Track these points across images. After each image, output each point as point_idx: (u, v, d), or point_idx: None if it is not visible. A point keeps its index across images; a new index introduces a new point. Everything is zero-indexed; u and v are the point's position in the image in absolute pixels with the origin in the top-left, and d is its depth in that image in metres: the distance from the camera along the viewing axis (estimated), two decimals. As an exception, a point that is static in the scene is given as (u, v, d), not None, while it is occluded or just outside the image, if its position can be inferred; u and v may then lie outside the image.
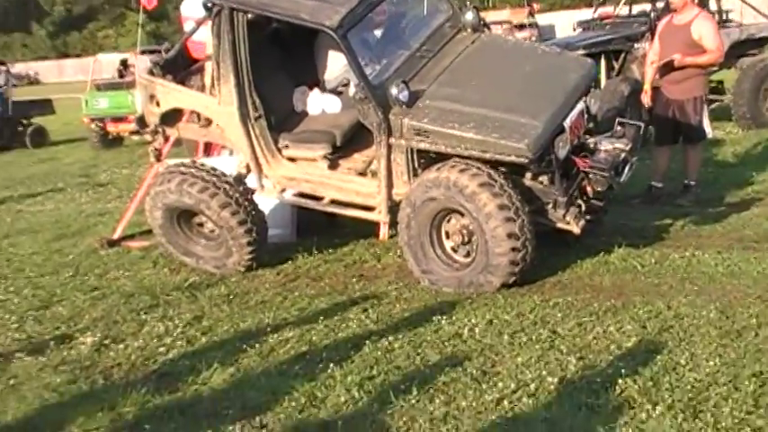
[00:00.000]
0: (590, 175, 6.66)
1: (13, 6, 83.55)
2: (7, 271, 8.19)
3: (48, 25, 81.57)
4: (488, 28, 7.89)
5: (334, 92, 7.88)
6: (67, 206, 11.59)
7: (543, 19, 46.88)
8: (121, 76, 20.80)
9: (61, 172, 15.31)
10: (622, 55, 12.81)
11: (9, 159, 18.40)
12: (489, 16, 34.54)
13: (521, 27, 34.97)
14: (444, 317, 5.94)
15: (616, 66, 12.86)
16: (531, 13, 39.33)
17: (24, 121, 20.85)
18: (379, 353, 5.41)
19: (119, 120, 18.39)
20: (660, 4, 12.70)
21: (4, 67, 22.04)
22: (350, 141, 7.29)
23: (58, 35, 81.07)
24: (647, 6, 13.82)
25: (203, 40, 7.77)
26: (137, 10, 20.36)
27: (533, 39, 31.01)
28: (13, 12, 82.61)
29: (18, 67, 57.93)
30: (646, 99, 8.81)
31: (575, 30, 16.05)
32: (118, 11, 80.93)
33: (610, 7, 15.82)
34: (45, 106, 21.90)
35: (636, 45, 12.62)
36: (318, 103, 7.77)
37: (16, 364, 5.72)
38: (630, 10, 14.41)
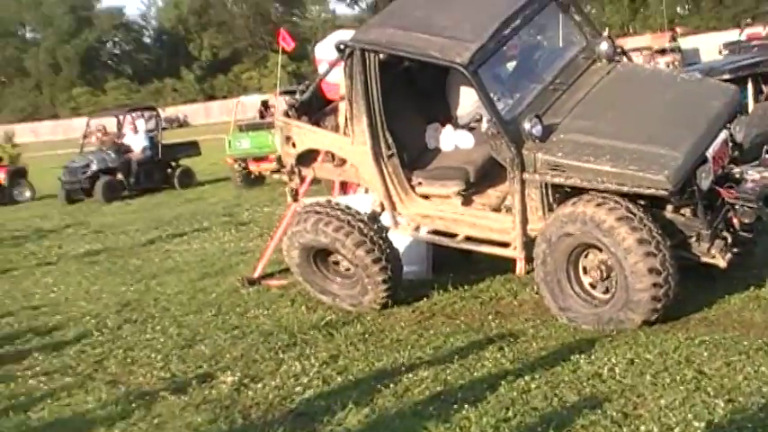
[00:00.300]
0: (736, 207, 6.38)
1: (166, 54, 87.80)
2: (154, 310, 8.49)
3: (196, 70, 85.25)
4: (627, 55, 7.69)
5: (467, 128, 7.84)
6: (212, 245, 11.96)
7: (687, 42, 45.50)
8: (262, 116, 21.46)
9: (206, 211, 15.84)
10: (772, 78, 12.26)
11: (158, 200, 19.21)
12: (629, 43, 33.77)
13: (662, 52, 34.00)
14: (583, 356, 5.76)
15: (765, 90, 12.31)
16: (674, 37, 38.22)
17: (173, 164, 21.73)
18: (515, 393, 5.29)
19: (260, 159, 18.92)
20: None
21: (154, 113, 23.07)
22: (483, 177, 7.23)
23: (206, 79, 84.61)
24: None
25: (337, 81, 7.89)
26: (278, 51, 20.93)
27: (676, 63, 30.14)
28: (165, 59, 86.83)
29: (168, 111, 60.67)
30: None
31: (720, 52, 15.50)
32: (261, 53, 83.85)
33: (758, 27, 15.21)
34: (192, 148, 22.77)
35: (786, 68, 12.05)
36: (451, 140, 7.75)
37: (160, 402, 5.90)
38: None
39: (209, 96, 78.96)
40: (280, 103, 19.53)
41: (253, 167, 19.21)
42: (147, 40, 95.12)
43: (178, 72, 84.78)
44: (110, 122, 23.63)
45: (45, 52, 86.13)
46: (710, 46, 37.75)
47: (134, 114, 22.59)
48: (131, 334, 7.74)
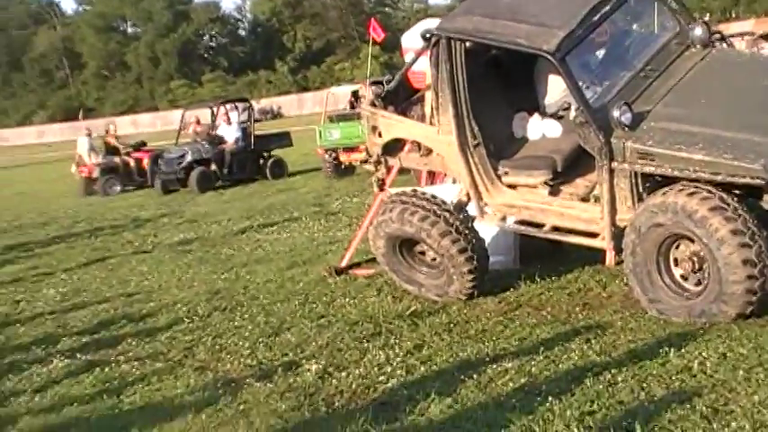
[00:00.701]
0: (838, 197, 6.10)
1: (260, 46, 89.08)
2: (243, 299, 8.62)
3: (290, 62, 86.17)
4: (727, 41, 7.44)
5: (555, 116, 7.71)
6: (301, 235, 12.08)
7: (793, 27, 43.91)
8: (353, 107, 21.55)
9: (297, 201, 16.01)
10: None
11: (251, 191, 19.49)
12: (731, 28, 32.74)
13: (766, 37, 32.82)
14: (672, 349, 5.60)
15: None
16: (781, 22, 36.84)
17: (265, 154, 22.00)
18: (601, 386, 5.19)
19: (350, 149, 19.01)
20: None
21: (247, 104, 23.41)
22: (571, 166, 7.10)
23: (299, 70, 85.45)
24: None
25: (423, 70, 7.86)
26: (374, 43, 21.05)
27: (780, 50, 29.13)
28: (259, 51, 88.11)
29: (263, 103, 61.53)
30: None
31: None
32: (354, 44, 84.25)
33: None
34: (284, 139, 23.01)
35: None
36: (539, 129, 7.64)
37: (246, 389, 5.99)
38: None
39: (302, 88, 79.72)
40: (370, 93, 19.64)
41: (343, 158, 19.32)
42: (242, 33, 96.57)
43: (272, 64, 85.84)
44: (204, 114, 24.06)
45: (145, 46, 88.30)
46: (819, 31, 36.35)
47: (228, 106, 22.95)
48: (220, 321, 7.88)
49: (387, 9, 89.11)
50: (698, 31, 7.10)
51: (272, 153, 22.14)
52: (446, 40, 7.07)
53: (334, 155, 19.35)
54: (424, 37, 7.28)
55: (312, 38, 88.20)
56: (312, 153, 22.32)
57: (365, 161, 18.68)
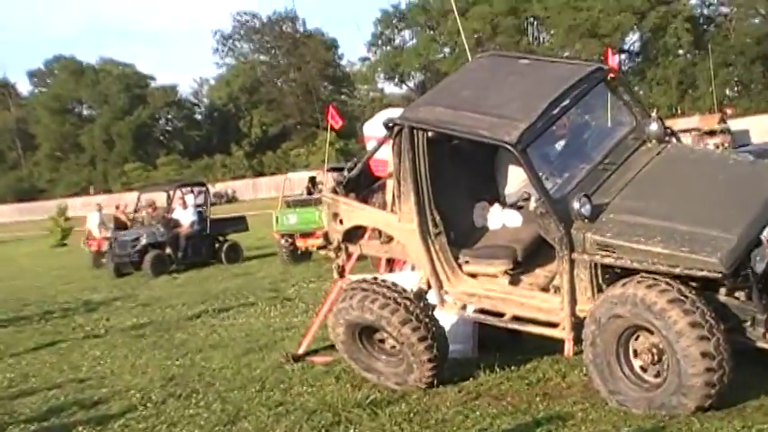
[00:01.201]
0: (793, 291, 6.22)
1: (216, 131, 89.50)
2: (198, 385, 8.45)
3: (245, 146, 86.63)
4: (676, 136, 7.65)
5: (515, 206, 7.80)
6: (257, 320, 11.95)
7: (736, 124, 45.32)
8: (310, 192, 21.63)
9: (253, 286, 15.88)
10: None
11: (206, 275, 19.31)
12: (678, 124, 33.70)
13: (712, 134, 33.84)
14: (634, 442, 5.60)
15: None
16: (723, 119, 38.03)
17: (221, 238, 21.89)
18: (565, 479, 5.14)
19: (307, 235, 19.04)
20: None
21: (203, 188, 23.37)
22: (531, 256, 7.16)
23: (255, 155, 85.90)
24: None
25: (385, 158, 7.93)
26: (326, 129, 21.27)
27: (725, 145, 29.98)
28: (215, 136, 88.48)
29: (218, 187, 61.52)
30: None
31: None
32: (310, 130, 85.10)
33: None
34: (239, 223, 22.97)
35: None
36: (499, 218, 7.72)
37: (202, 480, 5.82)
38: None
39: (257, 173, 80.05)
40: (327, 179, 19.74)
41: (299, 243, 19.30)
42: (199, 117, 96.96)
43: (228, 148, 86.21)
44: (159, 197, 23.96)
45: (100, 128, 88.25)
46: (761, 128, 37.55)
47: (183, 189, 22.89)
48: (175, 409, 7.70)
49: (343, 97, 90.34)
50: (653, 127, 7.30)
51: (228, 237, 22.04)
52: (409, 129, 7.15)
53: (290, 240, 19.32)
54: (386, 126, 7.36)
55: (268, 123, 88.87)
56: (268, 238, 22.26)
57: (322, 247, 18.84)
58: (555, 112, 6.94)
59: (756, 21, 76.86)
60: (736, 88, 77.41)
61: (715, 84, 59.44)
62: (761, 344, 6.21)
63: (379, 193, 8.09)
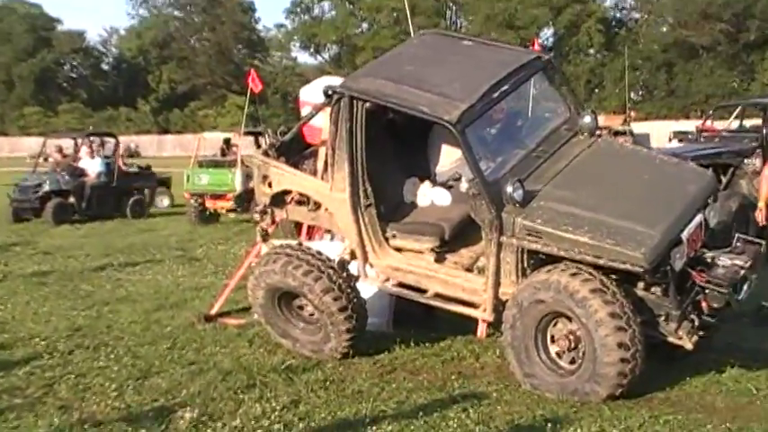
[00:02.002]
0: (706, 291, 6.46)
1: (123, 83, 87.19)
2: (107, 338, 8.28)
3: (152, 102, 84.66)
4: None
5: (445, 185, 7.87)
6: (165, 278, 11.75)
7: (638, 128, 46.57)
8: (224, 154, 21.32)
9: (159, 244, 15.57)
10: (731, 169, 12.59)
11: (109, 228, 18.84)
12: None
13: (616, 134, 34.66)
14: (549, 425, 5.74)
15: (723, 180, 12.63)
16: (627, 121, 39.00)
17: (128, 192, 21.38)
18: (482, 456, 5.24)
19: (218, 197, 18.79)
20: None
21: (113, 140, 22.77)
22: (458, 236, 7.24)
23: (161, 112, 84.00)
24: (759, 121, 13.61)
25: (320, 125, 7.88)
26: (239, 93, 20.99)
27: (628, 146, 30.70)
28: (122, 88, 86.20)
29: (120, 140, 59.98)
30: (761, 216, 8.59)
31: (670, 140, 15.98)
32: (220, 92, 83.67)
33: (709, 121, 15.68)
34: (149, 179, 22.49)
35: (746, 160, 12.41)
36: (428, 196, 7.78)
37: (115, 432, 5.72)
38: (741, 124, 14.23)
39: (163, 129, 78.32)
40: (244, 142, 19.53)
41: (209, 204, 19.02)
42: (106, 67, 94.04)
43: (134, 102, 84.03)
44: (66, 145, 23.25)
45: (0, 68, 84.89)
46: (660, 133, 38.67)
47: (93, 139, 22.26)
48: (83, 360, 7.53)
49: (256, 62, 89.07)
50: (587, 120, 7.45)
51: (134, 192, 21.55)
52: (348, 98, 7.10)
53: (200, 200, 19.02)
54: (326, 93, 7.29)
55: (178, 81, 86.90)
56: (174, 196, 21.85)
57: (232, 210, 18.66)
58: (495, 95, 7.00)
59: (664, 29, 79.11)
60: (640, 92, 79.55)
61: (621, 86, 60.86)
62: (672, 339, 6.43)
63: (311, 159, 8.05)
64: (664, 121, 54.93)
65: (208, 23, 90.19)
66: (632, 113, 44.96)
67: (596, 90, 79.18)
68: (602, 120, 43.98)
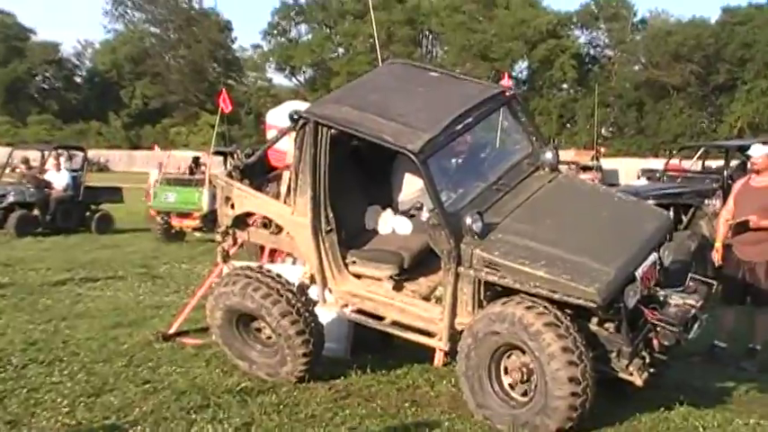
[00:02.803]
0: (658, 328, 6.57)
1: (95, 96, 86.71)
2: (62, 354, 8.22)
3: (124, 117, 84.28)
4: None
5: (407, 214, 7.94)
6: (126, 295, 11.70)
7: (607, 164, 47.05)
8: (192, 172, 21.27)
9: (122, 260, 15.49)
10: (692, 210, 12.79)
11: (73, 242, 18.68)
12: (555, 155, 34.62)
13: (584, 169, 34.96)
14: (498, 455, 5.79)
15: (684, 220, 12.82)
16: (596, 156, 39.40)
17: (93, 207, 21.26)
18: (429, 485, 5.27)
19: (184, 215, 18.73)
20: (735, 163, 12.72)
21: (82, 153, 22.65)
22: (417, 265, 7.30)
23: (133, 127, 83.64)
24: (722, 162, 13.84)
25: (285, 149, 7.94)
26: (212, 111, 21.01)
27: (596, 181, 31.02)
28: (94, 102, 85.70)
29: (90, 153, 59.54)
30: (717, 257, 8.74)
31: (639, 177, 16.20)
32: (192, 110, 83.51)
33: (676, 159, 15.93)
34: (115, 194, 22.37)
35: (706, 201, 12.61)
36: (390, 224, 7.84)
37: (64, 450, 5.69)
38: (703, 165, 14.46)
39: (133, 145, 77.93)
40: (213, 162, 19.49)
41: (175, 222, 18.93)
42: (78, 80, 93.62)
43: (106, 116, 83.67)
44: (33, 157, 23.08)
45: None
46: (629, 169, 39.12)
47: (60, 151, 22.11)
48: (37, 375, 7.47)
49: (230, 81, 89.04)
50: (548, 155, 7.56)
51: (100, 207, 21.43)
52: (314, 124, 7.17)
53: (166, 218, 18.94)
54: (291, 118, 7.36)
55: (150, 96, 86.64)
56: (140, 213, 21.74)
57: (198, 229, 18.61)
58: (458, 127, 7.10)
59: (636, 68, 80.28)
60: (611, 129, 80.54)
61: (592, 122, 61.60)
62: (623, 375, 6.52)
63: (274, 183, 8.10)
64: (633, 159, 55.54)
65: (184, 41, 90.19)
66: (602, 149, 45.45)
67: (568, 125, 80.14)
68: (573, 154, 44.69)
